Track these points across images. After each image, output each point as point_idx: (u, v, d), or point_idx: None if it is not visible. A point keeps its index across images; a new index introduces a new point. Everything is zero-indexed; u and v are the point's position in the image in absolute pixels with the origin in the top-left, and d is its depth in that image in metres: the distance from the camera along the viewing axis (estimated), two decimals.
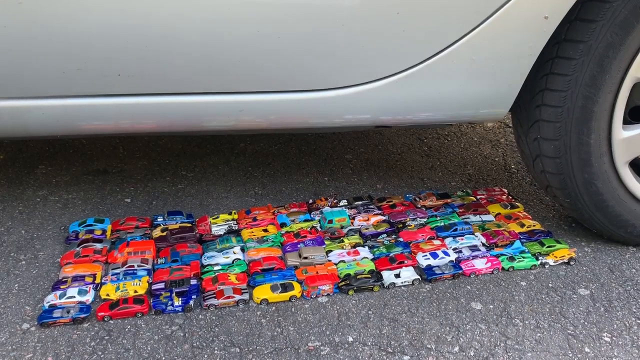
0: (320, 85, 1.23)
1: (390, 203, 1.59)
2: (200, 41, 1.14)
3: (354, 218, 1.51)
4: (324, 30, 1.15)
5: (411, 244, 1.40)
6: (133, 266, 1.29)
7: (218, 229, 1.46)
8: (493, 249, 1.39)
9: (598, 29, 1.18)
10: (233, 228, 1.47)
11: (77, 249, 1.35)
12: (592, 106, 1.24)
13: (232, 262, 1.32)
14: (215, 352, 1.08)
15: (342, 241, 1.41)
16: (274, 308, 1.20)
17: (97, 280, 1.25)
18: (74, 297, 1.19)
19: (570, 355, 1.10)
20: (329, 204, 1.58)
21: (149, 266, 1.30)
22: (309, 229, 1.45)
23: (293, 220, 1.50)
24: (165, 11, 1.10)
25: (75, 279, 1.24)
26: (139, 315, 1.16)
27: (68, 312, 1.14)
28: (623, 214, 1.35)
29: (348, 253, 1.35)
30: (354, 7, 1.13)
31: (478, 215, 1.54)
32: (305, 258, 1.32)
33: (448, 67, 1.21)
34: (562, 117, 1.26)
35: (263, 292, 1.22)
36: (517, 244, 1.40)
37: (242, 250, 1.37)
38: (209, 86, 1.22)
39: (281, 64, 1.19)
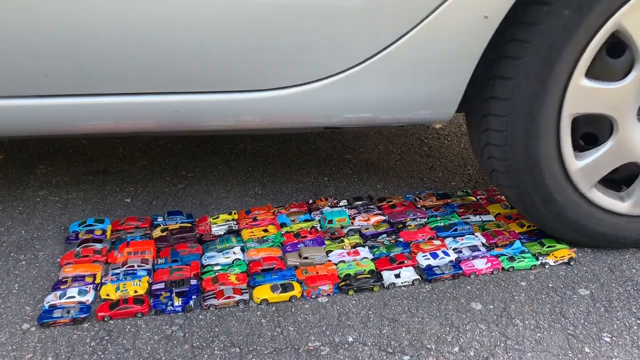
0: (259, 85, 1.20)
1: (390, 203, 1.59)
2: (127, 40, 1.10)
3: (354, 218, 1.51)
4: (261, 30, 1.13)
5: (411, 244, 1.40)
6: (133, 266, 1.29)
7: (218, 229, 1.46)
8: (493, 249, 1.39)
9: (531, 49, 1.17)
10: (233, 228, 1.47)
11: (77, 249, 1.35)
12: (537, 148, 1.25)
13: (232, 262, 1.32)
14: (215, 352, 1.08)
15: (342, 241, 1.41)
16: (274, 308, 1.20)
17: (97, 281, 1.25)
18: (74, 297, 1.19)
19: (570, 355, 1.10)
20: (329, 204, 1.58)
21: (149, 266, 1.30)
22: (309, 229, 1.45)
23: (293, 221, 1.50)
24: (89, 9, 1.06)
25: (75, 279, 1.24)
26: (139, 315, 1.16)
27: (68, 312, 1.14)
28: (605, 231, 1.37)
29: (348, 253, 1.35)
30: (291, 6, 1.11)
31: (478, 215, 1.54)
32: (305, 258, 1.32)
33: (389, 68, 1.19)
34: (509, 158, 1.28)
35: (263, 292, 1.22)
36: (517, 244, 1.40)
37: (242, 250, 1.37)
38: (140, 86, 1.18)
39: (216, 63, 1.16)
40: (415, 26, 1.14)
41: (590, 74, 1.20)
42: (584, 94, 1.21)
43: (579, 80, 1.19)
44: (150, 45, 1.12)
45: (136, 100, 1.20)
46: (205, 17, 1.10)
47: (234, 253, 1.34)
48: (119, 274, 1.27)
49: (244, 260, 1.33)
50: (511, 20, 1.16)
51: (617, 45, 1.20)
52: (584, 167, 1.28)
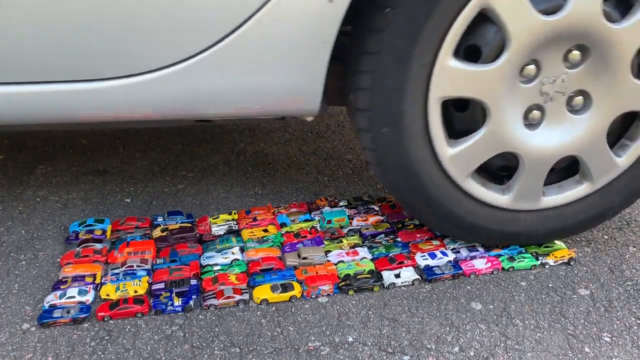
0: (92, 75, 1.13)
1: (390, 203, 1.59)
2: None
3: (352, 218, 1.51)
4: (91, 19, 1.06)
5: (410, 244, 1.40)
6: (132, 266, 1.29)
7: (218, 229, 1.46)
8: (490, 250, 1.39)
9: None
10: (233, 228, 1.47)
11: (77, 249, 1.35)
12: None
13: (231, 262, 1.32)
14: (215, 352, 1.08)
15: (341, 241, 1.41)
16: (274, 308, 1.20)
17: (97, 281, 1.25)
18: (74, 297, 1.19)
19: (570, 355, 1.10)
20: (329, 204, 1.58)
21: (148, 266, 1.30)
22: (309, 229, 1.45)
23: (293, 221, 1.50)
24: None
25: (75, 279, 1.24)
26: (139, 315, 1.16)
27: (68, 312, 1.14)
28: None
29: (347, 253, 1.35)
30: None
31: None
32: (305, 258, 1.32)
33: (230, 58, 1.12)
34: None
35: (263, 292, 1.22)
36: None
37: (242, 250, 1.37)
38: None
39: (38, 53, 1.09)
40: (256, 12, 1.07)
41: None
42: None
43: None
44: None
45: None
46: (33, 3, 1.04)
47: (233, 253, 1.34)
48: (118, 274, 1.27)
49: (243, 261, 1.33)
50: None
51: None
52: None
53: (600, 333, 1.16)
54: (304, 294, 1.23)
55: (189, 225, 1.46)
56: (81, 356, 1.07)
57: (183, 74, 1.13)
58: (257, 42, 1.10)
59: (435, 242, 1.41)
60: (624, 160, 1.31)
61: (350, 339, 1.12)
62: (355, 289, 1.25)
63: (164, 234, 1.42)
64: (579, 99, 1.23)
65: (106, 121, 1.24)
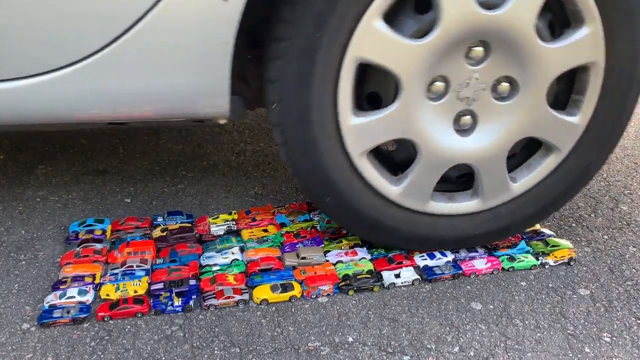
0: None
1: None
2: None
3: None
4: None
5: None
6: (132, 266, 1.29)
7: (217, 229, 1.46)
8: (497, 250, 1.39)
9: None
10: (232, 228, 1.47)
11: (77, 249, 1.35)
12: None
13: (231, 262, 1.32)
14: (215, 352, 1.08)
15: (341, 241, 1.41)
16: (274, 308, 1.20)
17: (97, 281, 1.25)
18: (74, 297, 1.19)
19: (570, 355, 1.10)
20: None
21: (147, 266, 1.30)
22: (308, 229, 1.45)
23: (292, 221, 1.50)
24: None
25: (75, 279, 1.24)
26: (139, 315, 1.16)
27: (68, 312, 1.14)
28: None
29: (346, 253, 1.35)
30: None
31: None
32: (304, 258, 1.32)
33: (124, 60, 1.07)
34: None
35: (263, 292, 1.22)
36: (522, 244, 1.40)
37: (241, 250, 1.37)
38: None
39: None
40: (149, 10, 1.03)
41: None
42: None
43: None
44: None
45: None
46: None
47: (232, 253, 1.34)
48: (117, 274, 1.27)
49: (242, 261, 1.33)
50: None
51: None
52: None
53: (600, 333, 1.16)
54: (304, 294, 1.23)
55: (189, 225, 1.46)
56: (81, 356, 1.07)
57: (78, 75, 1.08)
58: (152, 43, 1.07)
59: None
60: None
61: (350, 339, 1.12)
62: (355, 289, 1.25)
63: (164, 234, 1.42)
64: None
65: (3, 124, 1.19)
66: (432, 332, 1.15)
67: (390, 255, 1.35)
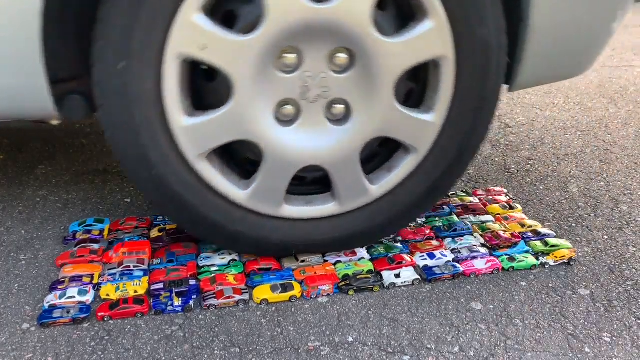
0: None
1: None
2: None
3: None
4: None
5: (409, 244, 1.40)
6: (129, 266, 1.28)
7: None
8: (497, 250, 1.39)
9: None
10: None
11: (73, 249, 1.35)
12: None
13: (228, 263, 1.32)
14: (215, 352, 1.08)
15: None
16: (274, 308, 1.20)
17: (95, 281, 1.25)
18: (74, 297, 1.19)
19: (570, 355, 1.10)
20: None
21: (145, 266, 1.29)
22: None
23: None
24: None
25: (73, 279, 1.24)
26: (139, 315, 1.16)
27: (68, 312, 1.14)
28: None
29: (345, 253, 1.35)
30: None
31: (477, 216, 1.54)
32: (303, 261, 1.32)
33: None
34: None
35: (263, 292, 1.22)
36: (522, 244, 1.40)
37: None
38: None
39: None
40: None
41: None
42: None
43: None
44: None
45: None
46: None
47: (230, 254, 1.34)
48: (115, 274, 1.26)
49: (240, 261, 1.33)
50: None
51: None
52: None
53: (600, 333, 1.16)
54: (304, 294, 1.23)
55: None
56: (81, 356, 1.07)
57: None
58: None
59: (435, 243, 1.41)
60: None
61: (350, 339, 1.12)
62: (355, 289, 1.25)
63: (161, 234, 1.42)
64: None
65: None
66: (432, 332, 1.15)
67: (390, 255, 1.35)
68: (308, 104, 1.15)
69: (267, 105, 1.13)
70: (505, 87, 1.28)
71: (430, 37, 1.12)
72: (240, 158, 1.24)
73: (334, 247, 1.33)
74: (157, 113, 1.09)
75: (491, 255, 1.37)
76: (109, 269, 1.29)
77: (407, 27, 1.13)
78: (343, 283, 1.25)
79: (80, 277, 1.25)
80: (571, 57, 1.30)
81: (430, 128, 1.21)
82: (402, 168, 1.25)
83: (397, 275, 1.28)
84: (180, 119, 1.10)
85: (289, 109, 1.15)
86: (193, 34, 1.03)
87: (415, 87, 1.23)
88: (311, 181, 1.28)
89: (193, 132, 1.11)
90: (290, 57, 1.09)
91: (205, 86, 1.14)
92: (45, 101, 1.08)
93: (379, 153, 1.29)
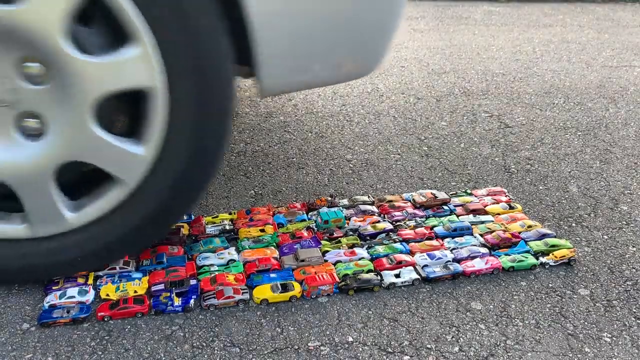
0: None
1: (390, 203, 1.59)
2: None
3: (349, 218, 1.51)
4: None
5: (409, 244, 1.40)
6: (115, 268, 1.27)
7: (212, 229, 1.45)
8: (496, 250, 1.39)
9: None
10: (227, 228, 1.46)
11: None
12: None
13: (227, 263, 1.32)
14: (215, 352, 1.08)
15: (340, 242, 1.41)
16: (274, 308, 1.20)
17: (90, 281, 1.25)
18: (74, 297, 1.19)
19: (570, 355, 1.10)
20: (328, 204, 1.58)
21: (131, 268, 1.28)
22: (304, 230, 1.45)
23: (290, 221, 1.50)
24: None
25: (68, 279, 1.24)
26: (139, 315, 1.16)
27: (68, 312, 1.14)
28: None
29: (345, 253, 1.35)
30: None
31: (477, 216, 1.54)
32: (303, 261, 1.32)
33: None
34: None
35: (263, 292, 1.22)
36: (522, 244, 1.40)
37: (238, 251, 1.37)
38: None
39: None
40: None
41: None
42: None
43: None
44: None
45: None
46: None
47: (229, 254, 1.34)
48: (114, 276, 1.26)
49: (239, 261, 1.33)
50: None
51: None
52: None
53: (600, 333, 1.16)
54: (304, 294, 1.23)
55: (175, 227, 1.43)
56: (81, 356, 1.07)
57: None
58: None
59: (435, 243, 1.41)
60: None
61: (350, 339, 1.12)
62: (355, 289, 1.25)
63: None
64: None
65: None
66: (432, 332, 1.15)
67: (390, 255, 1.35)
68: None
69: None
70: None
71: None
72: None
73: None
74: None
75: (491, 255, 1.37)
76: (107, 270, 1.28)
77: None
78: (343, 283, 1.25)
79: (75, 277, 1.25)
80: (315, 59, 1.18)
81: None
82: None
83: (397, 275, 1.28)
84: None
85: None
86: None
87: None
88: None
89: None
90: None
91: None
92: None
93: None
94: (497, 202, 1.62)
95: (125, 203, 1.16)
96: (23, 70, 1.02)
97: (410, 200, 1.61)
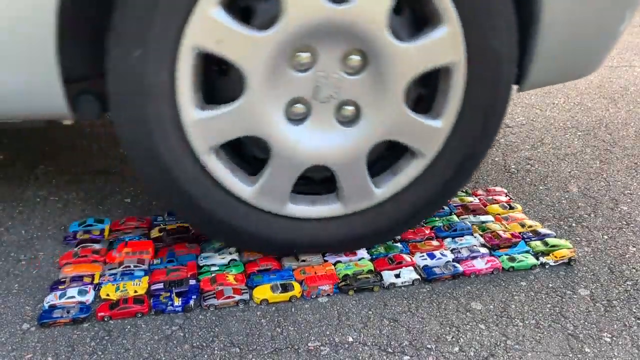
0: None
1: None
2: None
3: None
4: None
5: (409, 244, 1.40)
6: (129, 266, 1.28)
7: None
8: (496, 250, 1.39)
9: None
10: None
11: (75, 249, 1.35)
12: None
13: (228, 262, 1.32)
14: (215, 352, 1.08)
15: None
16: (274, 308, 1.20)
17: (95, 281, 1.25)
18: (74, 297, 1.19)
19: (570, 355, 1.10)
20: None
21: (145, 266, 1.29)
22: None
23: None
24: None
25: (74, 279, 1.24)
26: (139, 315, 1.16)
27: (68, 312, 1.14)
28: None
29: (345, 253, 1.35)
30: None
31: (477, 216, 1.54)
32: (303, 260, 1.32)
33: None
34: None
35: (263, 292, 1.22)
36: (522, 244, 1.40)
37: (239, 250, 1.37)
38: None
39: None
40: None
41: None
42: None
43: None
44: None
45: None
46: None
47: (230, 254, 1.34)
48: (116, 274, 1.26)
49: (240, 261, 1.33)
50: None
51: None
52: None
53: (600, 333, 1.16)
54: (304, 294, 1.23)
55: (186, 225, 1.46)
56: (81, 356, 1.07)
57: None
58: None
59: (435, 243, 1.41)
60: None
61: (350, 339, 1.12)
62: (355, 289, 1.25)
63: (161, 234, 1.42)
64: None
65: None
66: (432, 332, 1.15)
67: (390, 255, 1.35)
68: (319, 104, 1.15)
69: (278, 103, 1.13)
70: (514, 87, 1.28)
71: (444, 43, 1.12)
72: (248, 154, 1.24)
73: (336, 248, 1.33)
74: (169, 105, 1.08)
75: (491, 255, 1.37)
76: (109, 269, 1.29)
77: (421, 32, 1.13)
78: (343, 283, 1.25)
79: (81, 277, 1.25)
80: (581, 57, 1.30)
81: (438, 134, 1.21)
82: (408, 172, 1.25)
83: (397, 275, 1.28)
84: (192, 112, 1.09)
85: (299, 107, 1.15)
86: (209, 27, 1.03)
87: (424, 92, 1.24)
88: (317, 181, 1.28)
89: (203, 126, 1.11)
90: (304, 56, 1.09)
91: (218, 80, 1.14)
92: (59, 101, 1.06)
93: (385, 156, 1.29)
94: (497, 202, 1.62)
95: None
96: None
97: None
